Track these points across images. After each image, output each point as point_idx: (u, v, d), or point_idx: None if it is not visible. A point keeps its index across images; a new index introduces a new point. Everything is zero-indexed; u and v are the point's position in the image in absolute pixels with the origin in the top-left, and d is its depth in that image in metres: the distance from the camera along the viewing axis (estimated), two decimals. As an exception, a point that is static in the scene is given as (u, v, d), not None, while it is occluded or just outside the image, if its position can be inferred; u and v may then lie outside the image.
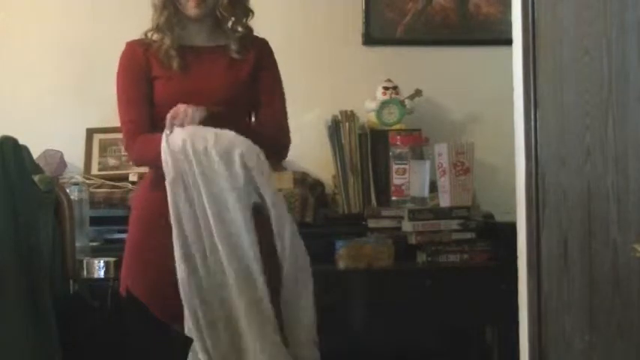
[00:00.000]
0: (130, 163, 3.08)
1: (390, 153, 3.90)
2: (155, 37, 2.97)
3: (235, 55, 2.96)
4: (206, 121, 2.85)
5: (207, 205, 2.78)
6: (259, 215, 2.86)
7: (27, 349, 2.51)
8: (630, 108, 2.24)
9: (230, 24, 2.98)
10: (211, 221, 2.78)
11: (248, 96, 3.00)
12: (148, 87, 2.95)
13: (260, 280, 2.77)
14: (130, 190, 3.79)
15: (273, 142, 2.98)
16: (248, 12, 3.01)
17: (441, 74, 4.19)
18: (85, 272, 3.26)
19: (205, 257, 2.79)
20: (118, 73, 3.00)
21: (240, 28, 2.98)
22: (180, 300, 2.87)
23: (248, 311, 2.77)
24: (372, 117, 4.02)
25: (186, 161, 2.78)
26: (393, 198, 3.88)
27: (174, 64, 2.92)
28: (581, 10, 2.45)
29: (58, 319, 2.58)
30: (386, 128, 3.97)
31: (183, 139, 2.79)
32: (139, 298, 2.85)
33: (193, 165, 2.78)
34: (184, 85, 2.93)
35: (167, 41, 2.93)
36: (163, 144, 2.81)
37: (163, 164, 2.81)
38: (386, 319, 3.62)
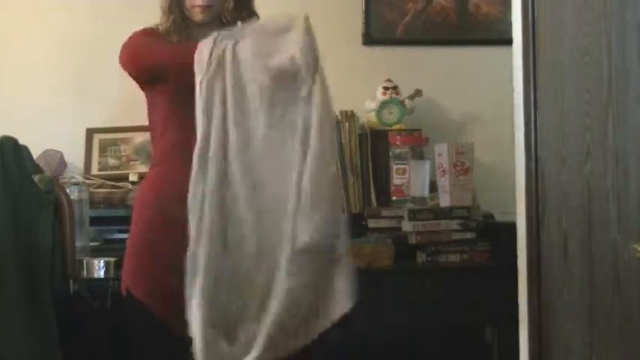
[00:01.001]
0: (124, 68, 3.00)
1: (390, 153, 3.90)
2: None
3: None
4: None
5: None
6: None
7: (27, 348, 2.51)
8: (630, 108, 2.24)
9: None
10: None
11: None
12: None
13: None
14: (130, 190, 3.80)
15: None
16: (253, 15, 3.01)
17: (441, 74, 4.19)
18: (85, 272, 3.27)
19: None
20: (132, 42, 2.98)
21: None
22: (180, 300, 2.87)
23: None
24: (372, 117, 4.01)
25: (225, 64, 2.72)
26: (393, 198, 3.88)
27: None
28: (581, 10, 2.45)
29: (58, 319, 2.58)
30: (386, 128, 3.97)
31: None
32: (140, 298, 2.85)
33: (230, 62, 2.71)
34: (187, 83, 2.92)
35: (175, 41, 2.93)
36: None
37: (198, 60, 2.73)
38: (386, 319, 3.62)
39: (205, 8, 2.93)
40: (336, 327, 3.61)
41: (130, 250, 2.95)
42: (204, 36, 2.98)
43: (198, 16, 2.94)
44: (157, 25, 3.00)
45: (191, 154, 2.89)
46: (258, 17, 3.02)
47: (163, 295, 2.86)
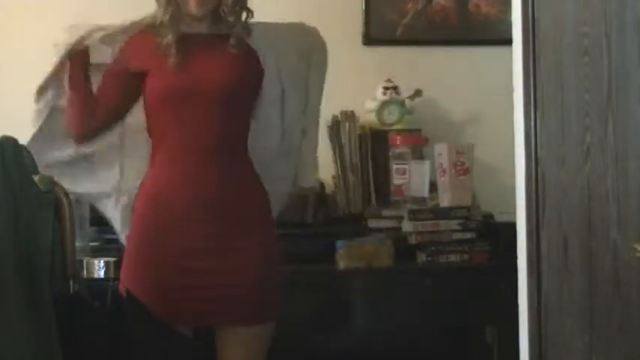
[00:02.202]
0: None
1: (390, 153, 3.90)
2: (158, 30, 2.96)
3: (233, 50, 2.95)
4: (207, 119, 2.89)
5: None
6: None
7: (27, 349, 2.51)
8: (630, 108, 2.25)
9: (230, 20, 2.96)
10: None
11: (249, 91, 2.98)
12: (131, 81, 2.98)
13: None
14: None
15: None
16: (248, 11, 3.01)
17: (440, 74, 4.19)
18: (85, 272, 3.27)
19: None
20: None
21: (240, 26, 2.97)
22: (179, 300, 2.87)
23: None
24: (372, 117, 4.02)
25: None
26: (393, 198, 3.88)
27: (172, 60, 2.91)
28: (581, 10, 2.45)
29: (58, 319, 2.58)
30: (386, 128, 3.97)
31: None
32: (139, 297, 2.85)
33: None
34: (181, 80, 2.91)
35: (170, 37, 2.92)
36: None
37: None
38: (386, 319, 3.62)
39: (201, 1, 2.92)
40: (337, 326, 3.62)
41: (130, 249, 2.95)
42: (199, 25, 2.97)
43: (193, 9, 2.93)
44: (150, 18, 2.98)
45: (189, 153, 2.89)
46: (252, 14, 3.01)
47: (163, 294, 2.87)
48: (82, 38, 3.00)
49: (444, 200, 3.81)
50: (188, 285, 2.86)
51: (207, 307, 2.87)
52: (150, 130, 2.98)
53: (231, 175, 2.91)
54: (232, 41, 2.94)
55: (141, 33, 2.99)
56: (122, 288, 2.89)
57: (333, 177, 3.97)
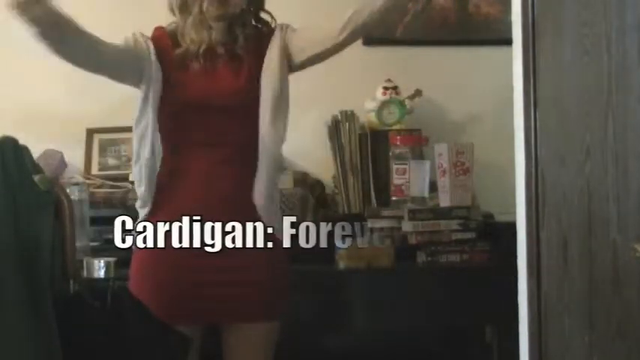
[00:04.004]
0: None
1: (390, 153, 3.90)
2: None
3: (239, 51, 2.95)
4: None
5: None
6: None
7: (27, 348, 2.51)
8: (630, 108, 2.25)
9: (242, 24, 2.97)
10: None
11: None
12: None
13: None
14: (130, 190, 3.79)
15: None
16: (262, 11, 3.03)
17: (441, 74, 4.18)
18: (85, 272, 3.26)
19: None
20: None
21: (248, 30, 2.98)
22: (182, 300, 2.87)
23: None
24: (372, 117, 4.02)
25: None
26: (393, 198, 3.88)
27: (191, 69, 2.92)
28: (581, 10, 2.45)
29: (58, 319, 2.58)
30: (386, 128, 3.97)
31: None
32: (142, 298, 2.85)
33: None
34: (197, 90, 2.91)
35: (193, 47, 2.92)
36: None
37: None
38: (386, 319, 3.62)
39: (220, 5, 2.91)
40: (337, 326, 3.62)
41: (140, 248, 2.95)
42: (221, 31, 2.97)
43: (215, 10, 2.92)
44: (172, 24, 2.99)
45: (201, 157, 2.90)
46: (273, 18, 3.03)
47: (171, 292, 2.87)
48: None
49: (444, 200, 3.81)
50: (196, 282, 2.87)
51: (214, 306, 2.88)
52: (161, 133, 2.97)
53: (242, 177, 2.91)
54: (240, 40, 2.94)
55: (160, 37, 2.99)
56: (130, 286, 2.89)
57: (333, 177, 3.97)
